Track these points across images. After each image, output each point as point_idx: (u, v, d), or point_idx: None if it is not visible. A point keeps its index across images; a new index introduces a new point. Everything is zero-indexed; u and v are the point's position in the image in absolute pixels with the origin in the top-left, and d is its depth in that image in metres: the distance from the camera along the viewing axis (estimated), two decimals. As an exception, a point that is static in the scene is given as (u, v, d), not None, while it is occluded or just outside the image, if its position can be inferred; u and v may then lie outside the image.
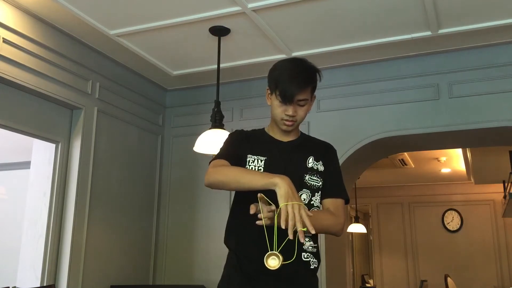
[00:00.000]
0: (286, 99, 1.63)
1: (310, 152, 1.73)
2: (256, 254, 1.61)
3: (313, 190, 1.69)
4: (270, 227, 1.42)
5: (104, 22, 3.04)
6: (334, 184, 1.74)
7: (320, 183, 1.71)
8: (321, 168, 1.72)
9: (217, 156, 1.69)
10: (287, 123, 1.68)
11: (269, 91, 1.73)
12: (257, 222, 1.41)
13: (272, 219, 1.41)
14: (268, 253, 1.39)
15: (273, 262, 1.38)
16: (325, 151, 1.79)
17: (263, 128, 1.82)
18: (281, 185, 1.40)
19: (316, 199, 1.70)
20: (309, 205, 1.68)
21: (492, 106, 3.24)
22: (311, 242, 1.68)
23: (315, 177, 1.70)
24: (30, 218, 3.17)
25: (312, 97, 1.72)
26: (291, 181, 1.46)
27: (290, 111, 1.65)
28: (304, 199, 1.67)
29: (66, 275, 3.06)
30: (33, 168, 3.29)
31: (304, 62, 1.70)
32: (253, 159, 1.67)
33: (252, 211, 1.42)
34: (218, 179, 1.57)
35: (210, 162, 1.68)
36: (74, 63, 3.23)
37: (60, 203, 3.17)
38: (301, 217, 1.34)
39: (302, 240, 1.34)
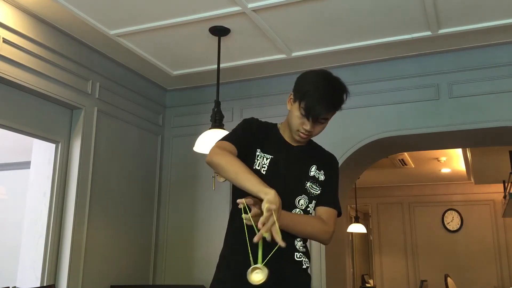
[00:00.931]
0: (310, 116, 1.62)
1: (314, 161, 1.75)
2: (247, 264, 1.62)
3: (311, 198, 1.72)
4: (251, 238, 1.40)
5: (104, 22, 3.04)
6: (330, 194, 1.76)
7: (319, 191, 1.73)
8: (321, 177, 1.74)
9: (228, 138, 1.67)
10: (302, 136, 1.68)
11: (292, 97, 1.70)
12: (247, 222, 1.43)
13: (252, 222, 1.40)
14: (252, 267, 1.36)
15: (256, 276, 1.34)
16: (328, 161, 1.80)
17: (276, 125, 1.81)
18: (270, 196, 1.39)
19: (312, 206, 1.73)
20: (306, 211, 1.71)
21: (492, 106, 3.23)
22: (301, 242, 1.70)
23: (315, 185, 1.72)
24: (30, 218, 3.17)
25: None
26: (290, 188, 1.59)
27: (308, 127, 1.64)
28: (302, 204, 1.70)
29: (66, 275, 3.06)
30: (33, 168, 3.29)
31: (337, 83, 1.66)
32: (261, 156, 1.68)
33: (239, 206, 1.45)
34: (221, 164, 1.55)
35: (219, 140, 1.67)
36: (74, 63, 3.23)
37: (60, 203, 3.17)
38: (272, 225, 1.35)
39: (271, 240, 1.35)
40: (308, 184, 1.70)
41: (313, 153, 1.79)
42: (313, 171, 1.73)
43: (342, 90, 1.66)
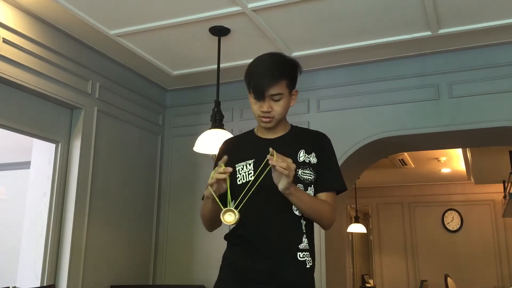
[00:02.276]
0: (258, 95, 1.60)
1: (300, 145, 1.68)
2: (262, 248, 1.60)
3: (306, 184, 1.64)
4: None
5: (104, 22, 3.04)
6: (329, 176, 1.69)
7: (313, 176, 1.65)
8: (313, 160, 1.66)
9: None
10: (264, 119, 1.63)
11: (248, 90, 1.69)
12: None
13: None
14: (225, 209, 1.49)
15: (229, 217, 1.48)
16: (317, 142, 1.72)
17: (253, 129, 1.78)
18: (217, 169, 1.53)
19: (310, 193, 1.66)
20: None
21: (492, 106, 3.23)
22: (307, 240, 1.64)
23: (308, 170, 1.64)
24: (30, 218, 3.17)
25: (293, 91, 1.67)
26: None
27: (264, 107, 1.61)
28: None
29: (66, 275, 3.06)
30: (33, 168, 3.29)
31: (278, 56, 1.65)
32: (241, 166, 1.63)
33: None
34: (205, 225, 1.75)
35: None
36: (74, 63, 3.23)
37: (60, 203, 3.17)
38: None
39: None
40: (300, 171, 1.62)
41: (298, 137, 1.72)
42: (302, 156, 1.65)
43: (283, 61, 1.64)
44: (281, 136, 1.71)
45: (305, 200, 1.57)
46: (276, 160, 1.44)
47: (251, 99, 1.65)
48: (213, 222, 1.69)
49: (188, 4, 2.80)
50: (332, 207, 1.66)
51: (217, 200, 1.51)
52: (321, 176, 1.67)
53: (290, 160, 1.47)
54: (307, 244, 1.63)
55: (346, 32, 3.14)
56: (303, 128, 1.81)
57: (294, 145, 1.68)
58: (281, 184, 1.47)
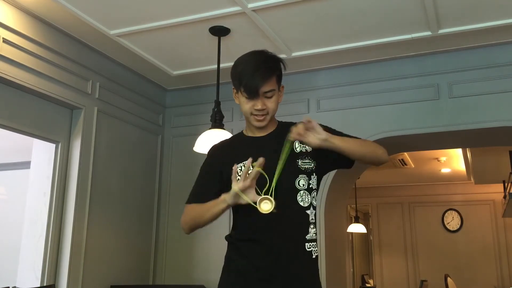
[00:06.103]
0: (252, 94, 1.60)
1: None
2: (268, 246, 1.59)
3: (308, 174, 1.65)
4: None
5: (104, 22, 3.04)
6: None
7: (313, 164, 1.67)
8: (309, 148, 1.67)
9: (190, 199, 1.73)
10: (258, 118, 1.64)
11: (235, 90, 1.69)
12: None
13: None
14: (261, 197, 1.48)
15: (266, 206, 1.48)
16: None
17: (241, 131, 1.78)
18: (227, 194, 1.52)
19: (313, 182, 1.67)
20: (309, 189, 1.65)
21: (492, 106, 3.24)
22: (314, 229, 1.65)
23: (307, 159, 1.66)
24: (30, 218, 3.17)
25: (280, 87, 1.69)
26: (285, 173, 1.56)
27: (258, 105, 1.61)
28: (303, 185, 1.64)
29: (66, 275, 3.06)
30: (33, 168, 3.29)
31: (263, 53, 1.67)
32: (240, 167, 1.61)
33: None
34: (188, 223, 1.70)
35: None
36: (74, 63, 3.23)
37: (60, 203, 3.17)
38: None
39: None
40: (300, 162, 1.64)
41: (287, 130, 1.68)
42: (297, 146, 1.67)
43: (270, 57, 1.66)
44: (272, 132, 1.72)
45: (346, 138, 1.62)
46: (296, 133, 1.49)
47: (242, 99, 1.64)
48: (202, 226, 1.69)
49: (188, 4, 2.80)
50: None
51: (250, 202, 1.50)
52: (336, 156, 1.64)
53: (301, 125, 1.52)
54: (314, 234, 1.64)
55: (346, 32, 3.14)
56: (287, 121, 1.79)
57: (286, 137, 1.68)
58: (320, 137, 1.52)
